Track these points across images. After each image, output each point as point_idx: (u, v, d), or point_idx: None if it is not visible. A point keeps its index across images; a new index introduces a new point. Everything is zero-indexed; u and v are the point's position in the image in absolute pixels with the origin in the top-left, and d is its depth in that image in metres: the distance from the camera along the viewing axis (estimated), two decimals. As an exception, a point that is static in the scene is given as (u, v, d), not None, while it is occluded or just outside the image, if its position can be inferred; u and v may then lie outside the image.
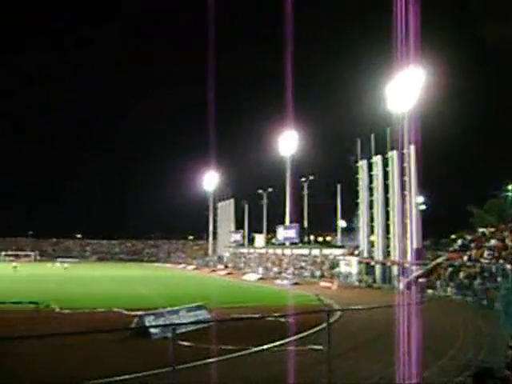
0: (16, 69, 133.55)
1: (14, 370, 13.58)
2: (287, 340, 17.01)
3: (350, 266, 57.49)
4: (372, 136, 57.53)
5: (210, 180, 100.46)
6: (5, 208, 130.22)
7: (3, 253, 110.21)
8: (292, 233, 75.48)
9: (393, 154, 53.20)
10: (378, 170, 56.13)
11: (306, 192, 77.06)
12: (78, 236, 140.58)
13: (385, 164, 54.99)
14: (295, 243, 74.74)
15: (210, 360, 13.83)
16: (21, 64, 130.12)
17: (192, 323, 19.88)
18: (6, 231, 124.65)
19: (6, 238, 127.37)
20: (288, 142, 73.72)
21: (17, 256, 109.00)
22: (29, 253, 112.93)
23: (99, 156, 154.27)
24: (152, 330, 18.73)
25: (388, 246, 53.17)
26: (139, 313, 21.70)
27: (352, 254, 60.63)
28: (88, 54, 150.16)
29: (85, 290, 42.91)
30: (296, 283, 52.27)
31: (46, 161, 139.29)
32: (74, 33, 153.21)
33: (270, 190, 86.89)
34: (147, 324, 19.26)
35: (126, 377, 12.52)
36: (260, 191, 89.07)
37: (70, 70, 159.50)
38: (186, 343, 15.43)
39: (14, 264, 76.88)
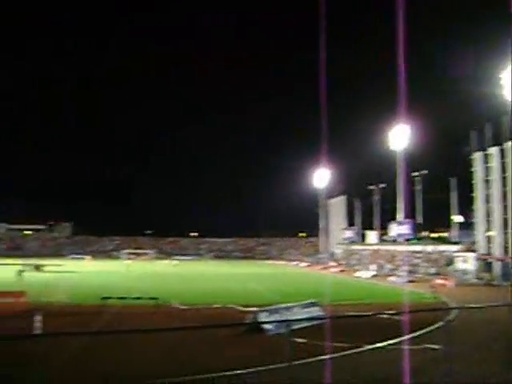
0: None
1: (135, 361, 14.30)
2: (402, 338, 16.72)
3: (466, 263, 55.34)
4: (487, 126, 55.05)
5: (320, 177, 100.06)
6: (126, 209, 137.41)
7: (125, 251, 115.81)
8: (405, 229, 73.71)
9: (510, 145, 50.65)
10: (494, 162, 53.65)
11: (418, 187, 75.01)
12: (194, 235, 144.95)
13: (502, 155, 52.47)
14: (408, 239, 72.93)
15: (325, 357, 13.83)
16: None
17: (306, 319, 19.99)
18: (127, 231, 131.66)
19: (127, 237, 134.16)
20: (399, 136, 72.01)
21: (137, 254, 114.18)
22: (147, 251, 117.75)
23: (214, 157, 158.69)
24: (266, 326, 19.03)
25: (507, 242, 50.72)
26: (254, 309, 22.17)
27: (469, 250, 58.34)
28: (204, 53, 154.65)
29: (201, 286, 44.30)
30: (410, 281, 51.05)
31: (159, 163, 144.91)
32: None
33: (381, 185, 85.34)
34: (261, 320, 19.62)
35: (242, 371, 12.81)
36: (371, 187, 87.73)
37: (185, 63, 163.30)
38: (299, 340, 15.56)
39: (126, 262, 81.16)
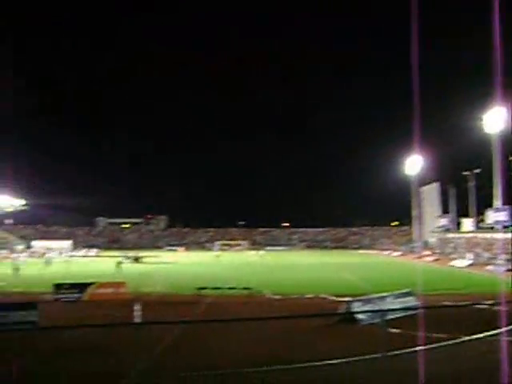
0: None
1: (228, 350, 14.62)
2: (501, 330, 16.14)
3: None
4: None
5: (412, 164, 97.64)
6: (220, 200, 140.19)
7: (218, 242, 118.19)
8: (503, 216, 70.57)
9: None
10: None
11: (517, 172, 71.67)
12: (286, 225, 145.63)
13: None
14: (507, 227, 69.90)
15: (420, 348, 13.59)
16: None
17: (400, 309, 19.73)
18: (220, 223, 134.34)
19: (220, 229, 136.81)
20: (495, 119, 69.04)
21: (229, 245, 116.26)
22: (240, 242, 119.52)
23: (302, 145, 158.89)
24: (360, 316, 18.95)
25: None
26: (346, 299, 22.10)
27: None
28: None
29: (292, 276, 44.56)
30: (509, 270, 48.97)
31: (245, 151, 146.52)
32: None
33: (476, 171, 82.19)
34: (355, 310, 19.54)
35: (336, 361, 12.83)
36: (466, 173, 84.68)
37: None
38: (394, 330, 15.39)
39: (216, 253, 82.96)
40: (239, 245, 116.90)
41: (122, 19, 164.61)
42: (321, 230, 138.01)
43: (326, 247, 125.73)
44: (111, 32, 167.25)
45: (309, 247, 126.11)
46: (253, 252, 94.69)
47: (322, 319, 18.87)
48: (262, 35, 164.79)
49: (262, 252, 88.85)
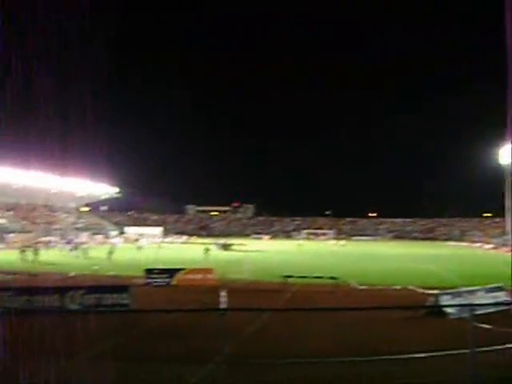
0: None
1: (309, 339, 14.65)
2: None
3: None
4: None
5: (506, 153, 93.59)
6: (308, 190, 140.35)
7: (304, 231, 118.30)
8: None
9: None
10: None
11: None
12: (373, 215, 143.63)
13: None
14: None
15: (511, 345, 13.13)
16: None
17: (491, 305, 19.06)
18: (307, 212, 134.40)
19: (307, 218, 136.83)
20: None
21: (315, 235, 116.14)
22: (326, 231, 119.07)
23: (391, 136, 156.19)
24: (448, 310, 18.50)
25: None
26: (435, 291, 21.61)
27: None
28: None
29: (379, 266, 44.00)
30: None
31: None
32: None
33: None
34: (443, 303, 19.08)
35: (422, 355, 12.59)
36: None
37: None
38: (484, 325, 14.89)
39: (299, 242, 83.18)
40: (325, 234, 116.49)
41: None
42: (409, 220, 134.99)
43: (414, 238, 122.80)
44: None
45: (396, 238, 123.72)
46: (333, 241, 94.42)
47: (409, 312, 18.56)
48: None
49: (342, 242, 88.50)
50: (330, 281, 28.34)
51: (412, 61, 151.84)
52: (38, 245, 56.23)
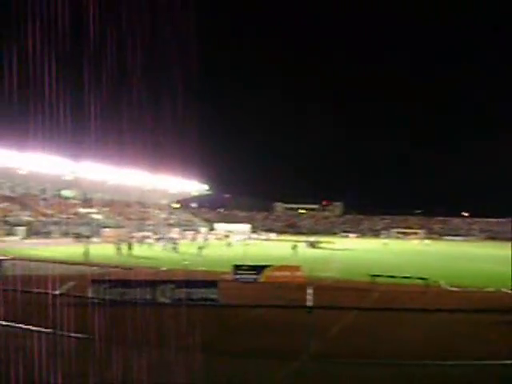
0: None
1: (394, 339, 14.42)
2: None
3: None
4: None
5: None
6: (398, 188, 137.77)
7: (393, 230, 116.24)
8: None
9: None
10: None
11: None
12: (465, 214, 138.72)
13: None
14: None
15: None
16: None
17: None
18: (397, 210, 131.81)
19: (397, 217, 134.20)
20: None
21: (405, 234, 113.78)
22: (416, 231, 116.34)
23: (480, 132, 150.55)
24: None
25: None
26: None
27: None
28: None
29: (469, 267, 42.58)
30: None
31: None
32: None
33: None
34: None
35: (507, 361, 12.09)
36: None
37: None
38: None
39: (384, 241, 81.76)
40: (416, 233, 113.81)
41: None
42: (504, 220, 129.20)
43: (508, 239, 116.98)
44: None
45: (490, 238, 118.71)
46: (417, 241, 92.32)
47: (502, 315, 17.91)
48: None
49: (427, 241, 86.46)
50: (420, 281, 27.77)
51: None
52: (132, 239, 58.35)
